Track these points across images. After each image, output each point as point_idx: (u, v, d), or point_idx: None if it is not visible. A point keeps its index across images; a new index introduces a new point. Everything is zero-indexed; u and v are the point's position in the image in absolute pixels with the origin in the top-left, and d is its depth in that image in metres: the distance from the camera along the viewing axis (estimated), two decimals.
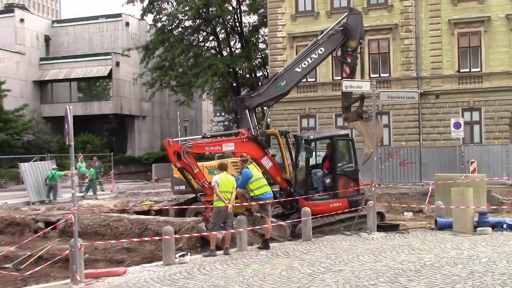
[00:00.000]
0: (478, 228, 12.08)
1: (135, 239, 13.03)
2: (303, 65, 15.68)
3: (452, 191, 12.82)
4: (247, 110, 15.38)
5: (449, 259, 9.35)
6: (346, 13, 16.21)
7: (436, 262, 9.15)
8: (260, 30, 42.65)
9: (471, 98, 28.53)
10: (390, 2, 29.55)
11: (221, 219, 11.07)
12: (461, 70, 28.78)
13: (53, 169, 23.43)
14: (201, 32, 41.31)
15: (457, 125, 24.21)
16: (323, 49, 15.70)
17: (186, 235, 13.09)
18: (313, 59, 15.67)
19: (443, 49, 28.96)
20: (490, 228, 12.15)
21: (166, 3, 39.60)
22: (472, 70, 28.74)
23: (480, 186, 14.86)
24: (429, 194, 18.54)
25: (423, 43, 29.18)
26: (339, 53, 16.24)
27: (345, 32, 15.54)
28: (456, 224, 12.37)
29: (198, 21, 39.65)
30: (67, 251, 9.64)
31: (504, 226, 12.46)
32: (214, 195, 11.20)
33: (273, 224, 12.37)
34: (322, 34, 16.31)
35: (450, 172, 20.94)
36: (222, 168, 11.49)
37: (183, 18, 38.82)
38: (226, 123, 53.98)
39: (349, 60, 15.81)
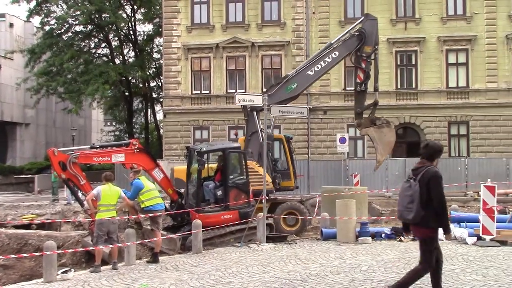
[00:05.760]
0: (359, 238, 12.72)
1: (13, 255, 12.14)
2: (316, 68, 15.48)
3: (337, 202, 13.37)
4: (254, 112, 14.94)
5: (333, 268, 9.77)
6: (362, 18, 16.24)
7: (321, 272, 9.52)
8: (155, 40, 42.20)
9: None
10: (283, 20, 30.60)
11: (103, 232, 10.65)
12: (347, 88, 30.45)
13: None
14: (92, 38, 39.89)
15: (342, 140, 25.58)
16: (337, 53, 15.62)
17: (70, 250, 12.46)
18: (326, 62, 15.56)
19: None
20: (370, 238, 12.86)
21: (55, 6, 37.71)
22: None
23: (362, 198, 15.63)
24: (316, 206, 19.28)
25: None
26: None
27: (360, 37, 15.56)
28: (340, 234, 12.95)
29: (90, 27, 38.25)
30: None
31: (383, 235, 13.25)
32: (98, 206, 10.79)
33: (163, 237, 12.18)
34: (337, 38, 16.18)
35: (336, 185, 21.98)
36: (107, 178, 11.08)
37: (74, 22, 37.23)
38: (117, 133, 52.29)
39: (363, 65, 15.86)
